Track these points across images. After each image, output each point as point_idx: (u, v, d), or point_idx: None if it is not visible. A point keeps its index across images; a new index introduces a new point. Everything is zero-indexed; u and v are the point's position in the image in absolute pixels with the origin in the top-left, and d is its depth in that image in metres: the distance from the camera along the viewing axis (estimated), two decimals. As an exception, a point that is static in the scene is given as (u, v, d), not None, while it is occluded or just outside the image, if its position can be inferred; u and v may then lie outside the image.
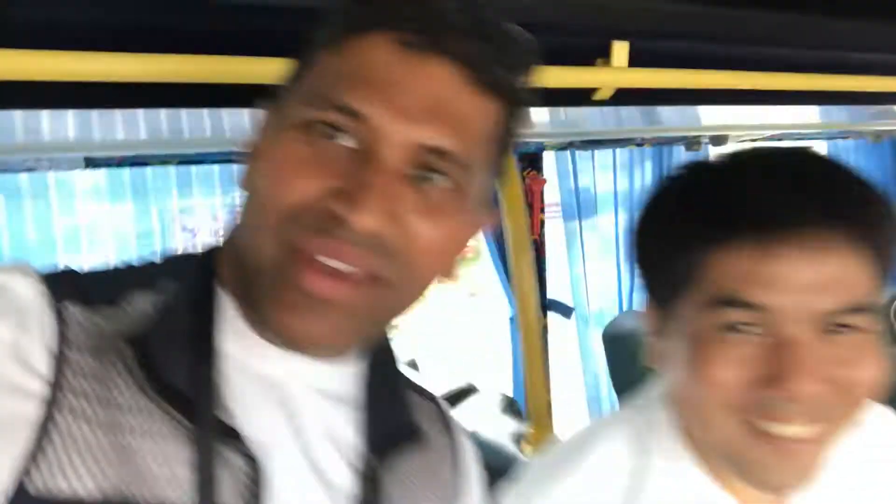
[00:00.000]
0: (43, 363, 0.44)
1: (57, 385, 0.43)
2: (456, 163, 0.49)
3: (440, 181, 0.49)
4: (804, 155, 0.61)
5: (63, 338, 0.45)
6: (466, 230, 0.53)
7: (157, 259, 0.55)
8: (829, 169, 0.58)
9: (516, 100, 0.52)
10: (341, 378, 0.55)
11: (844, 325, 0.54)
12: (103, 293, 0.49)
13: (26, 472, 0.41)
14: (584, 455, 0.66)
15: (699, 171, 0.63)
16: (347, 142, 0.47)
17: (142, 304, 0.49)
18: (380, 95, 0.47)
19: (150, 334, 0.48)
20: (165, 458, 0.45)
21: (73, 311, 0.46)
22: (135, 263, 0.54)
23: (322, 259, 0.46)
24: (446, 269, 0.53)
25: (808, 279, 0.53)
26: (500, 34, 0.50)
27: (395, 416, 0.58)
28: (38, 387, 0.43)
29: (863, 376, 0.55)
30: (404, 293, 0.51)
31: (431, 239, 0.49)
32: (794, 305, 0.53)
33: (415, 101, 0.47)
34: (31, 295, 0.45)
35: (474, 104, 0.50)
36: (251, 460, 0.47)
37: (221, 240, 0.55)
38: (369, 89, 0.47)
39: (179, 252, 0.56)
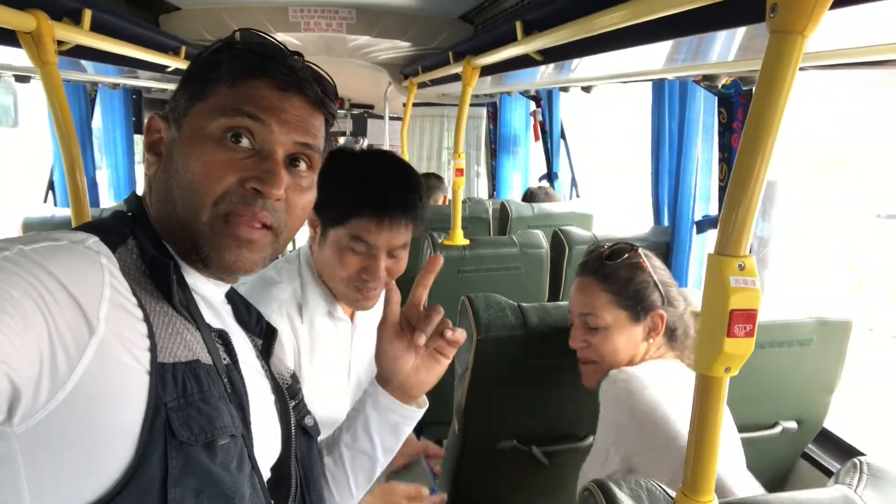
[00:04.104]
0: (132, 297, 0.70)
1: (141, 306, 0.70)
2: (313, 150, 0.85)
3: (303, 165, 0.85)
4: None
5: (129, 278, 0.72)
6: (313, 196, 0.88)
7: (111, 220, 0.81)
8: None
9: (332, 116, 0.89)
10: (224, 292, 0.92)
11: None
12: (118, 248, 0.74)
13: (154, 349, 0.69)
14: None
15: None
16: (246, 144, 0.80)
17: (129, 255, 0.75)
18: (272, 113, 0.80)
19: (157, 275, 0.75)
20: (192, 338, 0.76)
21: (120, 260, 0.73)
22: (106, 222, 0.79)
23: (248, 220, 0.79)
24: (301, 224, 0.87)
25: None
26: (324, 80, 0.87)
27: (243, 307, 0.98)
28: (138, 310, 0.70)
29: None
30: (282, 239, 0.84)
31: (300, 205, 0.85)
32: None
33: (290, 118, 0.82)
34: (105, 252, 0.70)
35: (317, 119, 0.86)
36: (223, 335, 0.83)
37: (149, 209, 0.84)
38: (265, 108, 0.80)
39: (115, 217, 0.82)
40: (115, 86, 3.51)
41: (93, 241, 0.70)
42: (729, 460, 1.19)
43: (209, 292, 0.86)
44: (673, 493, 0.82)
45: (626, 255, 1.39)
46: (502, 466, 1.69)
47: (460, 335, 1.02)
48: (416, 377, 1.05)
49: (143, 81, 3.44)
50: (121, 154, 4.16)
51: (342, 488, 1.09)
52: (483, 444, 1.64)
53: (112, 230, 0.76)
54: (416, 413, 1.08)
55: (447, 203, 3.89)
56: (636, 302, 1.35)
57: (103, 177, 4.17)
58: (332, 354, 1.45)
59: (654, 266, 1.40)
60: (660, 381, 1.25)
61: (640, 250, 1.42)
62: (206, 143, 0.79)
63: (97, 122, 4.03)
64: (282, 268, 1.44)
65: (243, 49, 0.83)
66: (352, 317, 1.50)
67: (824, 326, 1.54)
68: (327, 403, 1.41)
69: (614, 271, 1.37)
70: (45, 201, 3.78)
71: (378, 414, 1.06)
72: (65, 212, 3.43)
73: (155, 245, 0.79)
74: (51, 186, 3.76)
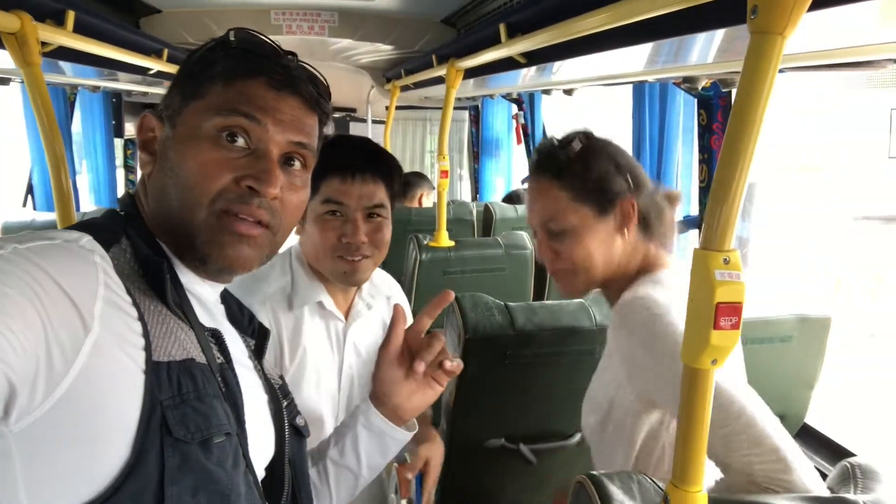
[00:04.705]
0: (127, 296, 0.70)
1: (136, 305, 0.70)
2: (307, 149, 0.85)
3: (297, 164, 0.85)
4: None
5: (123, 277, 0.71)
6: (307, 195, 0.88)
7: (103, 219, 0.80)
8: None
9: (326, 115, 0.89)
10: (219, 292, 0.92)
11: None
12: (111, 247, 0.74)
13: (148, 348, 0.68)
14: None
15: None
16: (241, 143, 0.79)
17: (123, 254, 0.75)
18: (267, 112, 0.80)
19: (150, 274, 0.75)
20: (186, 337, 0.76)
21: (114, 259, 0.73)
22: (98, 222, 0.79)
23: (245, 217, 0.79)
24: (295, 222, 0.88)
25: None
26: (317, 80, 0.87)
27: (236, 308, 0.99)
28: (132, 309, 0.70)
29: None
30: (279, 237, 0.85)
31: (294, 203, 0.85)
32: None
33: (285, 117, 0.82)
34: (99, 251, 0.70)
35: (311, 119, 0.86)
36: (217, 334, 0.82)
37: (143, 208, 0.84)
38: (261, 107, 0.80)
39: (107, 216, 0.82)
40: (96, 89, 3.48)
41: (86, 240, 0.71)
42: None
43: (203, 292, 0.86)
44: (662, 485, 0.84)
45: (579, 141, 1.23)
46: (490, 465, 1.70)
47: (458, 365, 1.05)
48: (409, 402, 1.08)
49: (124, 84, 3.41)
50: (101, 158, 4.11)
51: (323, 502, 1.09)
52: (471, 443, 1.65)
53: (105, 229, 0.76)
54: (407, 435, 1.10)
55: (422, 205, 3.90)
56: (600, 193, 1.20)
57: (83, 181, 4.12)
58: (319, 349, 1.46)
59: (615, 149, 1.25)
60: (673, 300, 1.11)
61: (595, 134, 1.26)
62: (202, 143, 0.79)
63: (76, 126, 3.99)
64: (274, 263, 1.45)
65: (238, 48, 0.83)
66: (346, 314, 1.50)
67: (804, 323, 1.57)
68: (311, 397, 1.42)
69: (569, 163, 1.22)
70: (25, 205, 3.73)
71: (369, 434, 1.08)
72: (45, 216, 3.39)
73: (149, 243, 0.79)
74: (30, 190, 3.71)
